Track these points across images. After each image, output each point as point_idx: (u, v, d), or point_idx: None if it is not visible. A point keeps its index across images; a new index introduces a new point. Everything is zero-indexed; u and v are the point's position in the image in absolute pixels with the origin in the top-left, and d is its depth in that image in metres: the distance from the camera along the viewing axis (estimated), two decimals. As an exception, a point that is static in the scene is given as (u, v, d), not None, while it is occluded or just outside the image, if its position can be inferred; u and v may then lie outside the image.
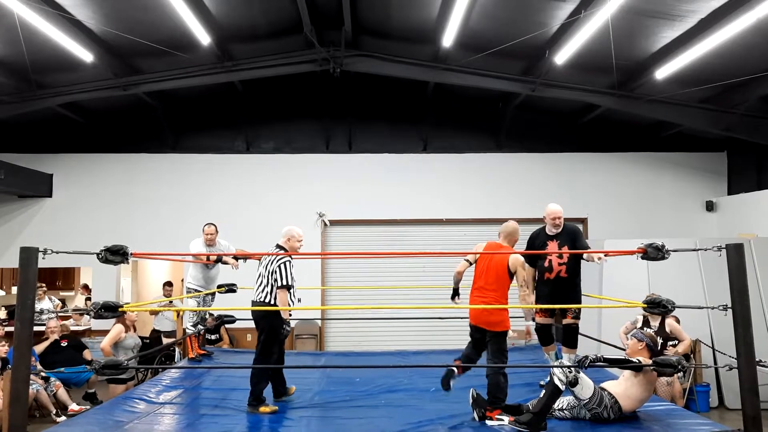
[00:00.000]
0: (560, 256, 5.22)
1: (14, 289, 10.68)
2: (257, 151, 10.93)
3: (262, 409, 4.90)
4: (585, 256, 5.21)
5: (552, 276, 5.27)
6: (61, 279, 12.72)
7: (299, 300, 5.21)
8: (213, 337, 8.86)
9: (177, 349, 7.88)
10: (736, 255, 4.07)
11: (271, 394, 5.18)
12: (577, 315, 5.34)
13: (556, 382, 4.33)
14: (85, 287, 12.58)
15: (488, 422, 4.46)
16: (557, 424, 4.48)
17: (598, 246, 8.32)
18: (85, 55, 7.75)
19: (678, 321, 7.10)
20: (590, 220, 10.73)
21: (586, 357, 4.36)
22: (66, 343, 8.23)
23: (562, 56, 7.92)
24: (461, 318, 6.97)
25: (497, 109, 10.68)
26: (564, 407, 4.60)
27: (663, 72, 7.86)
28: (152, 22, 7.66)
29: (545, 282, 5.32)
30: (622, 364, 4.55)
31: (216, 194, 10.68)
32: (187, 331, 6.82)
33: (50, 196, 10.69)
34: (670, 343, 6.94)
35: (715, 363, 7.56)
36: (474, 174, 10.89)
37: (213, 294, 7.12)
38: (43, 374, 7.35)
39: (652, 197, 10.90)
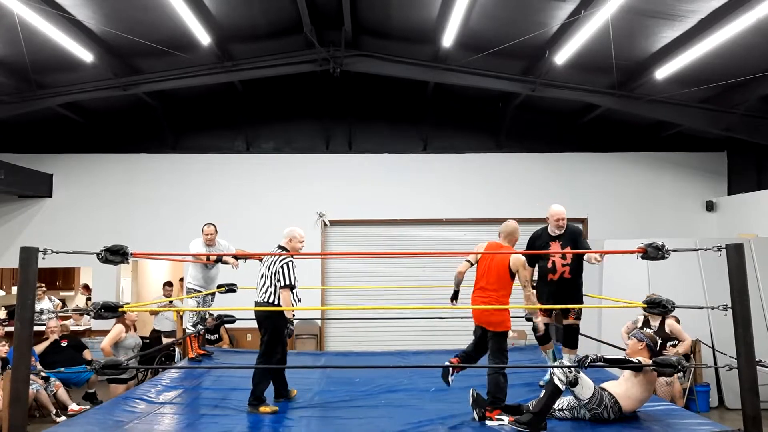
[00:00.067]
0: (563, 257, 5.21)
1: (14, 289, 10.67)
2: (257, 151, 10.92)
3: (263, 409, 4.90)
4: (584, 256, 5.22)
5: (555, 277, 5.25)
6: (61, 279, 12.70)
7: (299, 300, 5.21)
8: (213, 337, 8.87)
9: (177, 349, 7.88)
10: (736, 255, 4.07)
11: (271, 394, 5.18)
12: (578, 315, 5.35)
13: (556, 382, 4.33)
14: (85, 287, 12.57)
15: (488, 422, 4.46)
16: (557, 424, 4.48)
17: (598, 246, 8.32)
18: (85, 55, 7.75)
19: (678, 321, 7.11)
20: (590, 220, 10.72)
21: (586, 357, 4.36)
22: (66, 343, 8.23)
23: (562, 56, 7.92)
24: (461, 318, 6.99)
25: (497, 109, 10.67)
26: (564, 407, 4.60)
27: (663, 72, 7.85)
28: (152, 22, 7.66)
29: (548, 282, 5.30)
30: (622, 364, 4.55)
31: (216, 194, 10.68)
32: (187, 331, 6.82)
33: (50, 196, 10.69)
34: (670, 343, 6.94)
35: (715, 363, 7.56)
36: (474, 174, 10.88)
37: (213, 294, 7.13)
38: (43, 374, 7.35)
39: (652, 197, 10.89)
